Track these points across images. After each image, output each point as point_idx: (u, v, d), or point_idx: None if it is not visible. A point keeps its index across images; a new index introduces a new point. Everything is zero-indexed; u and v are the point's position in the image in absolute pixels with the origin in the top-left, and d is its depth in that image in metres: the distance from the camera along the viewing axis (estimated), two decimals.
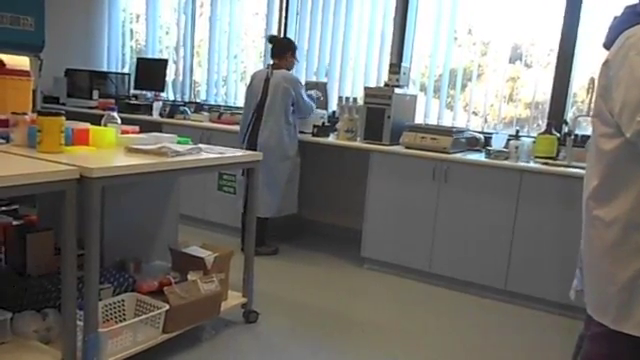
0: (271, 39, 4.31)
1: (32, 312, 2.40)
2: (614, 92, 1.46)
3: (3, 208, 3.89)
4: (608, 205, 1.51)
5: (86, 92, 5.62)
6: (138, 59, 5.85)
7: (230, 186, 4.51)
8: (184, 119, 5.00)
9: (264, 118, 4.09)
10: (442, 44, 4.53)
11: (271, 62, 4.24)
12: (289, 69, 4.20)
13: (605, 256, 1.52)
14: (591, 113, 1.68)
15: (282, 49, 4.22)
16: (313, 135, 4.34)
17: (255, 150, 3.87)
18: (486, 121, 4.48)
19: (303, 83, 4.36)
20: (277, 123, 4.07)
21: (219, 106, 5.46)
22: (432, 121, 4.56)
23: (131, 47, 6.30)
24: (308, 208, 4.89)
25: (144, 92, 5.63)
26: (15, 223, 3.02)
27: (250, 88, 4.24)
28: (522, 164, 3.61)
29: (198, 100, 5.68)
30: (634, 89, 1.40)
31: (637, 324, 1.46)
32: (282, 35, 5.04)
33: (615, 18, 1.58)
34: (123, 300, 2.56)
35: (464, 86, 4.55)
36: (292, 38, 4.75)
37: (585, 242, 1.63)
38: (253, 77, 4.27)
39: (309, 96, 4.27)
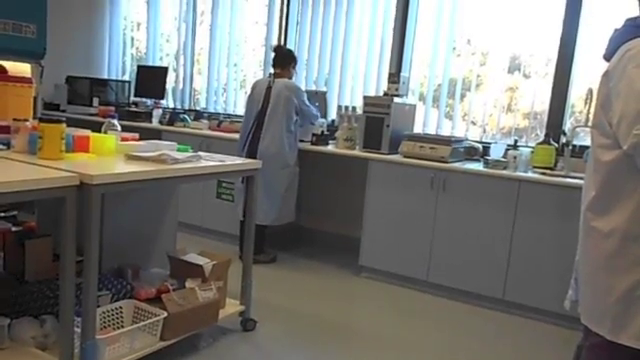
0: (276, 49, 4.34)
1: (30, 318, 2.40)
2: (613, 104, 1.47)
3: (2, 214, 3.88)
4: (606, 216, 1.51)
5: (86, 99, 5.64)
6: (138, 67, 5.88)
7: (229, 194, 4.51)
8: (184, 127, 5.01)
9: (265, 126, 4.11)
10: (441, 54, 4.55)
11: (273, 71, 4.27)
12: (289, 79, 4.23)
13: (602, 267, 1.52)
14: (590, 123, 1.69)
15: (286, 59, 4.25)
16: (312, 143, 4.36)
17: (255, 158, 3.88)
18: (485, 131, 4.50)
19: None
20: (278, 131, 4.09)
21: (219, 114, 5.48)
22: (431, 130, 4.57)
23: (132, 55, 6.32)
24: (307, 216, 4.90)
25: (144, 100, 5.65)
26: (14, 229, 3.02)
27: (251, 96, 4.26)
28: (520, 174, 3.63)
29: (198, 108, 5.70)
30: (632, 102, 1.41)
31: (633, 335, 1.46)
32: (282, 44, 5.06)
33: (615, 30, 1.59)
34: (121, 307, 2.55)
35: (463, 96, 4.57)
36: (292, 47, 4.79)
37: (582, 253, 1.63)
38: (254, 85, 4.29)
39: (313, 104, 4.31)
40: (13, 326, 2.34)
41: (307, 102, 4.21)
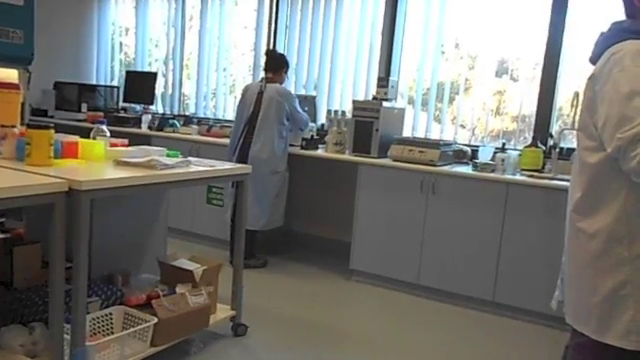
0: (269, 53, 4.34)
1: (18, 326, 2.38)
2: (599, 107, 1.49)
3: None
4: (591, 217, 1.53)
5: (75, 105, 5.61)
6: (127, 72, 5.86)
7: (219, 199, 4.51)
8: (173, 132, 5.00)
9: (257, 131, 4.11)
10: (430, 58, 4.58)
11: (264, 75, 4.27)
12: (281, 84, 4.23)
13: (588, 267, 1.54)
14: (576, 126, 1.71)
15: (278, 64, 4.25)
16: (302, 148, 4.36)
17: (246, 163, 3.87)
18: (473, 134, 4.53)
19: None
20: (270, 136, 4.09)
21: (208, 119, 5.47)
22: (420, 134, 4.59)
23: (120, 60, 6.30)
24: (297, 220, 4.90)
25: (133, 105, 5.63)
26: (2, 236, 3.00)
27: (242, 101, 4.25)
28: (508, 176, 3.65)
29: (187, 113, 5.68)
30: (616, 105, 1.43)
31: (617, 335, 1.48)
32: (275, 49, 5.07)
33: (601, 34, 1.62)
34: (111, 313, 2.55)
35: (452, 99, 4.60)
36: (281, 52, 4.80)
37: (568, 253, 1.65)
38: (245, 90, 4.29)
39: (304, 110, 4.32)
40: (2, 334, 2.32)
41: (298, 108, 4.21)
